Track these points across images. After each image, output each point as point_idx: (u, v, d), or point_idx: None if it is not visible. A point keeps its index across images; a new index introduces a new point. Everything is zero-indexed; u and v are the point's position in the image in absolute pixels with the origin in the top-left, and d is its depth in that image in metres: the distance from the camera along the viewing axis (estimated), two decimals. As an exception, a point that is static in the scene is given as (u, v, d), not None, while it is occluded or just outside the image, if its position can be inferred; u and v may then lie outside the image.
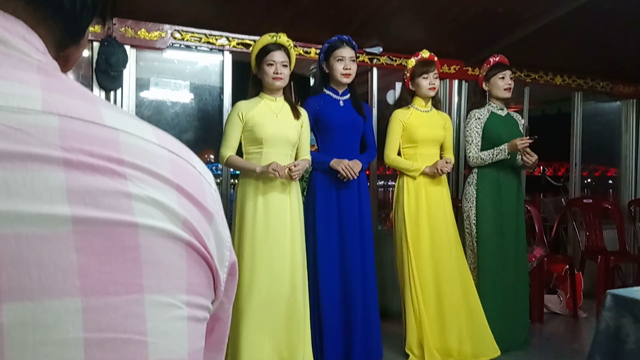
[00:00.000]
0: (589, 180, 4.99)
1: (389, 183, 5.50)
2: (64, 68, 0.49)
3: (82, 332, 0.35)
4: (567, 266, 4.23)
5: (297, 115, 2.79)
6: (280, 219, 2.68)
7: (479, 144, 3.38)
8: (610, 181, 5.71)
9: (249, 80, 2.85)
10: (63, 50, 0.47)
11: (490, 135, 3.37)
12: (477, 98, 3.55)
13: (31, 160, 0.36)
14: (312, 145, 3.07)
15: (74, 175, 0.37)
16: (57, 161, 0.36)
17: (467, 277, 3.19)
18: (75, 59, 0.50)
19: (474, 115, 3.43)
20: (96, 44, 3.20)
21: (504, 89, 3.39)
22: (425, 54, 3.20)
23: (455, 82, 4.30)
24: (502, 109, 3.46)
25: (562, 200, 6.01)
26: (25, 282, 0.34)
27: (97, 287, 0.36)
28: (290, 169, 2.64)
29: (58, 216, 0.36)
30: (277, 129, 2.71)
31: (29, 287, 0.34)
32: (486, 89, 3.45)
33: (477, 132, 3.38)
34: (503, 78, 3.38)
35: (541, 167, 9.53)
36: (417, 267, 3.07)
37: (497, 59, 3.42)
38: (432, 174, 3.15)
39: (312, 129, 3.02)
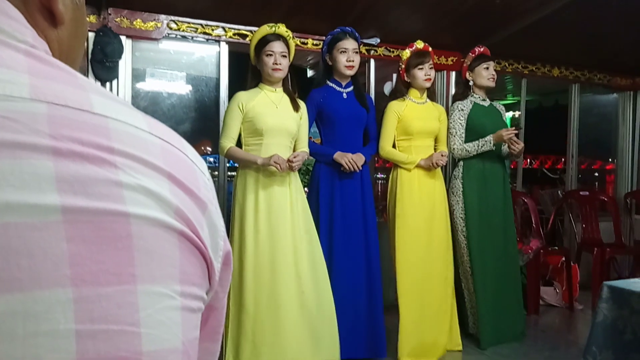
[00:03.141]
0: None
1: (379, 175, 5.50)
2: (76, 39, 0.47)
3: (73, 323, 0.35)
4: (564, 258, 4.25)
5: (296, 107, 2.78)
6: (281, 210, 2.66)
7: (463, 135, 3.38)
8: (596, 174, 5.71)
9: (246, 71, 2.84)
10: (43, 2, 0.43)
11: (474, 126, 3.38)
12: (460, 89, 3.56)
13: (19, 149, 0.35)
14: (310, 137, 3.06)
15: (63, 163, 0.36)
16: (46, 149, 0.36)
17: (450, 270, 3.22)
18: (80, 18, 0.47)
19: (457, 107, 3.42)
20: (91, 34, 3.17)
21: (488, 79, 3.41)
22: (419, 44, 3.19)
23: (453, 74, 4.28)
24: (484, 100, 3.48)
25: (559, 192, 6.03)
26: (15, 273, 0.34)
27: (89, 277, 0.36)
28: (290, 160, 2.63)
29: (47, 205, 0.35)
30: (278, 120, 2.70)
31: (19, 277, 0.34)
32: (470, 79, 3.46)
33: (460, 123, 3.38)
34: (487, 68, 3.41)
35: (528, 160, 9.52)
36: (409, 259, 3.07)
37: (482, 49, 3.45)
38: (428, 167, 3.15)
39: (315, 121, 3.01)
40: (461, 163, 3.40)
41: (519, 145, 3.26)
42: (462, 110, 3.40)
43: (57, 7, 0.45)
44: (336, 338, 2.70)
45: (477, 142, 3.30)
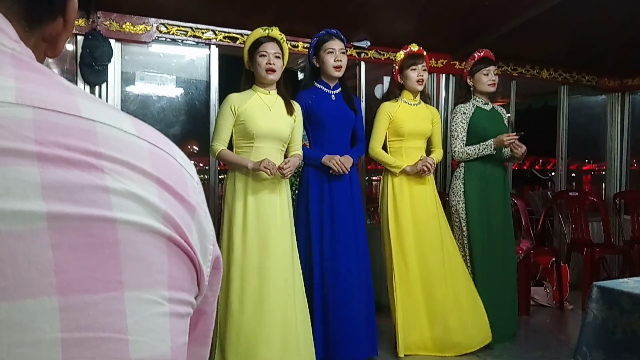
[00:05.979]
0: (553, 174, 5.00)
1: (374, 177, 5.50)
2: (53, 51, 0.47)
3: (59, 331, 0.34)
4: (554, 258, 4.27)
5: (290, 110, 2.76)
6: (271, 216, 2.65)
7: (464, 138, 3.41)
8: (574, 174, 5.74)
9: (238, 74, 2.82)
10: (35, 27, 0.44)
11: (475, 130, 3.40)
12: (462, 93, 3.58)
13: (3, 155, 0.34)
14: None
15: (48, 169, 0.35)
16: (31, 155, 0.35)
17: (461, 268, 3.22)
18: (62, 39, 0.47)
19: (460, 110, 3.45)
20: (80, 38, 3.15)
21: (488, 84, 3.42)
22: (414, 47, 3.22)
23: (443, 76, 4.31)
24: (486, 103, 3.50)
25: (549, 193, 6.07)
26: None
27: (75, 285, 0.35)
28: (281, 167, 2.62)
29: (32, 212, 0.34)
30: (270, 124, 2.68)
31: (3, 286, 0.33)
32: (471, 83, 3.48)
33: (462, 127, 3.41)
34: (487, 74, 3.42)
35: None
36: (402, 261, 3.08)
37: (482, 53, 3.45)
38: (414, 173, 3.16)
39: (303, 124, 3.00)
40: (462, 164, 3.43)
41: (522, 149, 3.29)
42: (465, 113, 3.42)
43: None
44: (311, 342, 2.72)
45: (478, 145, 3.34)
